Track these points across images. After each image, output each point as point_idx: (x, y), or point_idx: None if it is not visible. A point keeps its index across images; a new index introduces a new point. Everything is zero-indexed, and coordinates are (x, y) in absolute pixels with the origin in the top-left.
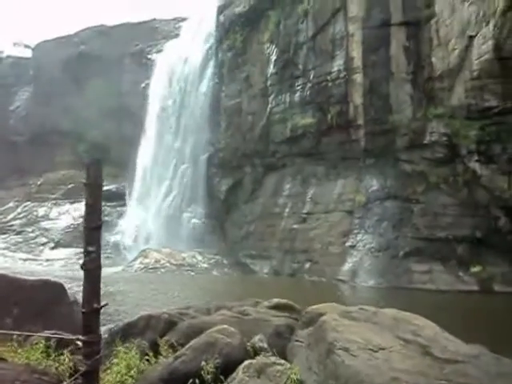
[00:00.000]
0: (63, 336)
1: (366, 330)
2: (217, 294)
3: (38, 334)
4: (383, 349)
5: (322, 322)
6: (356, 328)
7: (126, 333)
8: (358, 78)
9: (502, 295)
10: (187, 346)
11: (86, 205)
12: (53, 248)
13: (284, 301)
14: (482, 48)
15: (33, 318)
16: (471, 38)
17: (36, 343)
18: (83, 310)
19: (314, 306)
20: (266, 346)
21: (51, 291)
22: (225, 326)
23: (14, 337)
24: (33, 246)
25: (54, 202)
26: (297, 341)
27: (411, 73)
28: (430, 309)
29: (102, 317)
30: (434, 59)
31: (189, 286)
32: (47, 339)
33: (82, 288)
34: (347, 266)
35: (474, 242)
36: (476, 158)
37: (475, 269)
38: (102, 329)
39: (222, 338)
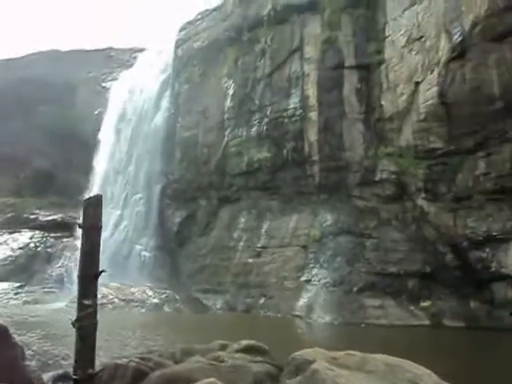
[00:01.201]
0: None
1: (366, 381)
2: (174, 334)
3: None
4: None
5: (314, 372)
6: (354, 379)
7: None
8: (313, 115)
9: (450, 329)
10: None
11: (82, 250)
12: None
13: (253, 342)
14: (427, 94)
15: None
16: (417, 83)
17: None
18: (75, 377)
19: (298, 353)
20: None
21: None
22: (211, 379)
23: None
24: None
25: None
26: None
27: (363, 113)
28: (386, 343)
29: (49, 362)
30: (383, 102)
31: (141, 324)
32: None
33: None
34: (302, 302)
35: (423, 277)
36: (423, 195)
37: (425, 303)
38: (48, 375)
39: None
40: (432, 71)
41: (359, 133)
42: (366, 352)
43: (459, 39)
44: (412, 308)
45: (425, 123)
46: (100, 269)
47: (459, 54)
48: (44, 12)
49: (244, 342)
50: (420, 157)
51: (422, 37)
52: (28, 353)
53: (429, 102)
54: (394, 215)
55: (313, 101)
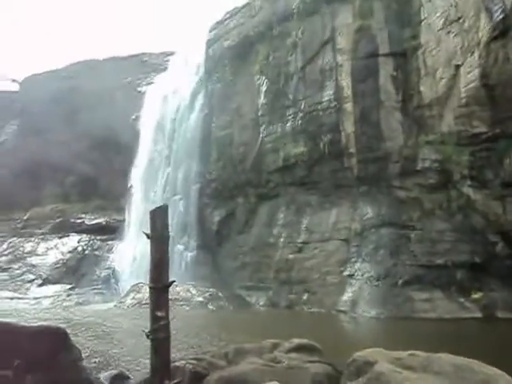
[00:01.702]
0: None
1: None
2: (222, 332)
3: None
4: None
5: (379, 374)
6: (423, 382)
7: None
8: (349, 107)
9: (504, 322)
10: None
11: (152, 260)
12: (40, 285)
13: (305, 341)
14: (469, 76)
15: (34, 369)
16: (458, 66)
17: None
18: None
19: (358, 353)
20: None
21: (52, 338)
22: (274, 382)
23: None
24: (19, 283)
25: (41, 236)
26: None
27: (400, 101)
28: (441, 339)
29: (104, 361)
30: (422, 88)
31: (188, 322)
32: None
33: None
34: (346, 296)
35: (473, 268)
36: (469, 183)
37: (476, 295)
38: (104, 375)
39: None
40: (472, 53)
41: (397, 121)
42: (422, 349)
43: (500, 17)
44: (462, 300)
45: (467, 108)
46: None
47: (501, 32)
48: (79, 23)
49: (296, 341)
50: (463, 143)
51: (460, 17)
52: (84, 353)
53: (470, 86)
54: (438, 205)
55: (347, 92)
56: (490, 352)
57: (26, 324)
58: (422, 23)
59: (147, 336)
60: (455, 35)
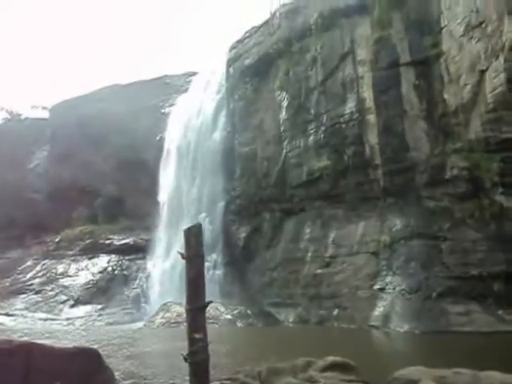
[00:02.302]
0: None
1: None
2: (253, 350)
3: None
4: None
5: None
6: None
7: None
8: (372, 118)
9: None
10: None
11: (187, 280)
12: (72, 306)
13: (339, 359)
14: (495, 81)
15: None
16: (482, 72)
17: None
18: None
19: (400, 372)
20: None
21: (87, 359)
22: None
23: None
24: (52, 304)
25: (72, 258)
26: None
27: (424, 110)
28: (482, 355)
29: (137, 382)
30: (446, 95)
31: (217, 341)
32: None
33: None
34: (378, 311)
35: (510, 278)
36: (501, 190)
37: None
38: None
39: None
40: (497, 57)
41: (422, 131)
42: (464, 366)
43: None
44: (500, 312)
45: (494, 113)
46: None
47: None
48: (104, 49)
49: (330, 359)
50: (492, 149)
51: (481, 22)
52: (116, 374)
53: (497, 90)
54: (469, 214)
55: (370, 103)
56: None
57: (61, 345)
58: (443, 30)
59: (185, 359)
60: (478, 40)
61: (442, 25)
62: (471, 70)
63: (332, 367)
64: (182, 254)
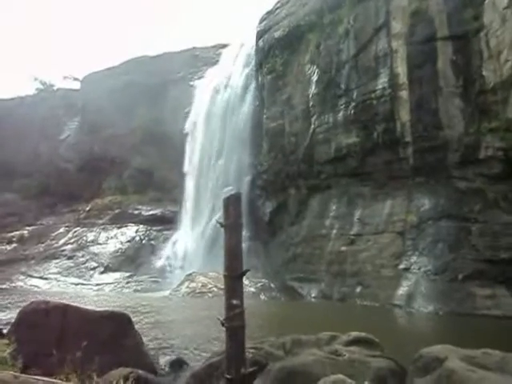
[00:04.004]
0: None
1: None
2: (277, 322)
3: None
4: None
5: (451, 372)
6: (503, 382)
7: (210, 375)
8: (404, 94)
9: None
10: None
11: (226, 249)
12: (102, 272)
13: (363, 334)
14: None
15: (101, 351)
16: None
17: (116, 382)
18: (228, 377)
19: (426, 349)
20: None
21: (118, 323)
22: (340, 376)
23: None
24: (83, 270)
25: (102, 227)
26: None
27: (461, 87)
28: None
29: (163, 347)
30: (485, 72)
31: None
32: (126, 378)
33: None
34: (402, 290)
35: None
36: None
37: None
38: (164, 359)
39: None
40: None
41: (457, 108)
42: (492, 348)
43: None
44: None
45: None
46: (244, 268)
47: None
48: (134, 19)
49: (354, 334)
50: None
51: None
52: (144, 339)
53: None
54: (502, 196)
55: (403, 78)
56: None
57: (94, 308)
58: (485, 2)
59: (222, 324)
60: None
61: None
62: None
63: (356, 342)
64: (220, 223)
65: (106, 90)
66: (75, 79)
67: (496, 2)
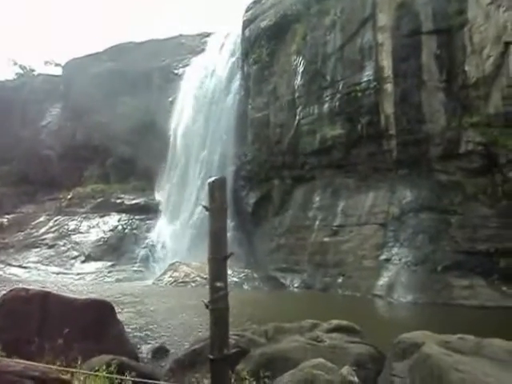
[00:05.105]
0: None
1: (492, 369)
2: (259, 311)
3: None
4: None
5: (427, 356)
6: (478, 365)
7: (193, 360)
8: (389, 87)
9: None
10: (282, 383)
11: (211, 232)
12: (83, 261)
13: (344, 322)
14: None
15: (83, 339)
16: (507, 44)
17: (97, 369)
18: (211, 357)
19: (405, 335)
20: (356, 379)
21: (100, 311)
22: (320, 359)
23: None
24: (64, 259)
25: (83, 215)
26: (393, 375)
27: (444, 81)
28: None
29: (144, 336)
30: (467, 67)
31: None
32: (108, 364)
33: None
34: (383, 281)
35: None
36: None
37: None
38: (147, 347)
39: (321, 374)
40: None
41: (440, 102)
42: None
43: None
44: (505, 288)
45: None
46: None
47: None
48: (118, 6)
49: (335, 322)
50: (511, 125)
51: None
52: (127, 327)
53: None
54: (481, 189)
55: (388, 72)
56: None
57: (76, 296)
58: None
59: (206, 306)
60: (506, 10)
61: None
62: (496, 41)
63: (337, 329)
64: (205, 207)
65: (90, 77)
66: (57, 65)
67: None
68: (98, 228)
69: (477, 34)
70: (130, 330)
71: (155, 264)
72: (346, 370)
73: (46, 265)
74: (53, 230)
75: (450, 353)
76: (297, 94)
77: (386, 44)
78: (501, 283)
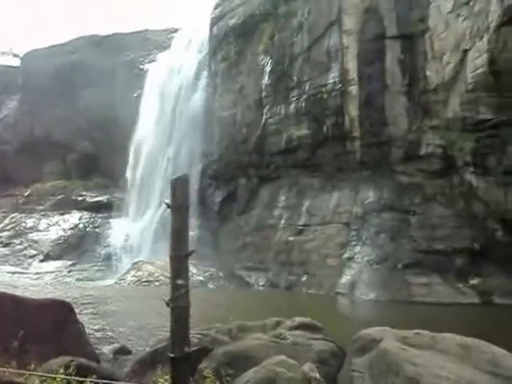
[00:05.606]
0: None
1: (445, 362)
2: (224, 310)
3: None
4: None
5: (385, 352)
6: (431, 359)
7: (155, 360)
8: (354, 90)
9: (501, 307)
10: (244, 381)
11: (173, 230)
12: (42, 260)
13: (307, 320)
14: (477, 61)
15: (40, 341)
16: (465, 51)
17: (55, 371)
18: (172, 356)
19: (364, 331)
20: (318, 376)
21: (58, 312)
22: (282, 357)
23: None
24: (21, 258)
25: (42, 213)
26: (353, 370)
27: (406, 85)
28: (441, 322)
29: (106, 336)
30: (428, 72)
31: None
32: (66, 366)
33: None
34: (345, 279)
35: (472, 254)
36: (472, 169)
37: (474, 281)
38: (108, 348)
39: (283, 372)
40: (481, 38)
41: (402, 106)
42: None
43: (511, 1)
44: (460, 286)
45: (473, 93)
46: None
47: (511, 18)
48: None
49: (298, 319)
50: (468, 129)
51: (470, 0)
52: (87, 328)
53: (478, 71)
54: (440, 191)
55: (353, 74)
56: (489, 336)
57: (32, 297)
58: (431, 5)
59: (167, 304)
60: (464, 19)
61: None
62: (455, 48)
63: (300, 327)
64: (167, 204)
65: (50, 69)
66: (15, 56)
67: (441, 6)
68: (57, 226)
69: (437, 41)
70: (90, 331)
71: (118, 263)
72: (307, 366)
73: (1, 264)
74: (9, 227)
75: (407, 348)
76: (264, 94)
77: (352, 47)
78: (456, 281)
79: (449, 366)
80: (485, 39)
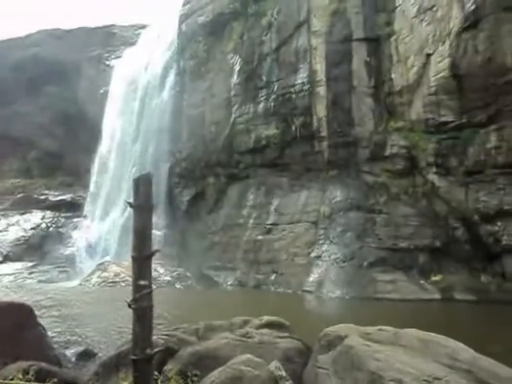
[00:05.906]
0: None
1: (407, 357)
2: (191, 310)
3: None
4: (438, 379)
5: (349, 348)
6: (393, 354)
7: (119, 363)
8: (322, 90)
9: (461, 303)
10: (210, 381)
11: (135, 230)
12: (1, 262)
13: (274, 318)
14: (439, 66)
15: None
16: (429, 55)
17: (12, 378)
18: (134, 358)
19: (330, 328)
20: (284, 373)
21: (17, 315)
22: (248, 355)
23: None
24: None
25: (1, 212)
26: (318, 367)
27: (372, 87)
28: (404, 318)
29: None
30: (393, 75)
31: (155, 301)
32: (25, 371)
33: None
34: (313, 277)
35: (434, 252)
36: (434, 170)
37: (436, 277)
38: (71, 351)
39: (248, 370)
40: (443, 42)
41: (368, 107)
42: (388, 325)
43: (472, 8)
44: (423, 282)
45: (436, 96)
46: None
47: (472, 23)
48: None
49: (265, 318)
50: (431, 131)
51: (433, 6)
52: (49, 331)
53: (440, 75)
54: (404, 190)
55: (321, 75)
56: (448, 331)
57: None
58: (397, 10)
59: (129, 305)
60: (428, 24)
61: (397, 4)
62: (419, 52)
63: (267, 325)
64: (129, 203)
65: (10, 62)
66: None
67: (405, 11)
68: (17, 226)
69: (402, 44)
70: (53, 335)
71: (82, 264)
72: (273, 364)
73: None
74: None
75: (370, 343)
76: (233, 93)
77: (320, 48)
78: (419, 278)
79: (410, 360)
80: (447, 44)
